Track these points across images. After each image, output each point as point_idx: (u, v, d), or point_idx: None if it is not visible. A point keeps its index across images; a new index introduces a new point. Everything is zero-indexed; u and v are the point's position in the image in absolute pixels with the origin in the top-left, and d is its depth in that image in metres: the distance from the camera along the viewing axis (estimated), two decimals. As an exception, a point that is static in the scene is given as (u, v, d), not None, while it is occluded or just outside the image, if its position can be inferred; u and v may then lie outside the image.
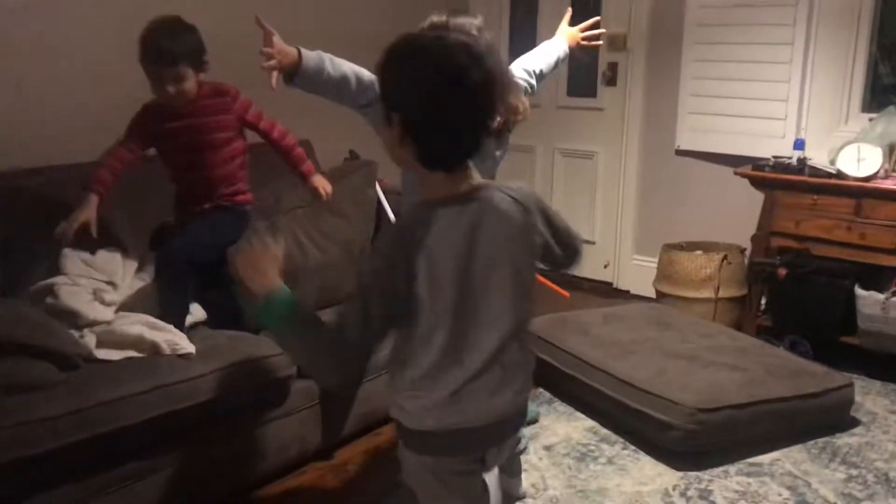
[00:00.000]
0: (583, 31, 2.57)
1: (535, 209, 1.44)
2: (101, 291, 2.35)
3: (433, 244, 1.32)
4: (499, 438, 1.48)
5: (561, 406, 3.01)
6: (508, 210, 1.39)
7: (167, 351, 2.17)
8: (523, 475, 2.41)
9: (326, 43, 2.22)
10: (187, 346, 2.22)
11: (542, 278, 4.07)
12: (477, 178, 1.39)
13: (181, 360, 2.18)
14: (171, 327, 2.28)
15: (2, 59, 2.68)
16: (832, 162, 3.32)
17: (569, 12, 2.60)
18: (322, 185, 2.82)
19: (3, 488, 1.80)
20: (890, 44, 3.61)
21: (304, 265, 2.85)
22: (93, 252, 2.46)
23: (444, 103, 1.28)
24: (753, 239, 3.56)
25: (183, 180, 2.67)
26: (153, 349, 2.18)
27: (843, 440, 2.78)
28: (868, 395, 3.13)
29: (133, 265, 2.55)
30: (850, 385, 2.90)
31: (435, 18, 2.04)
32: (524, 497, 2.45)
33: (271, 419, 2.37)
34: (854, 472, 2.58)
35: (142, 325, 2.23)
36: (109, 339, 2.19)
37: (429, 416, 1.41)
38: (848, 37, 3.55)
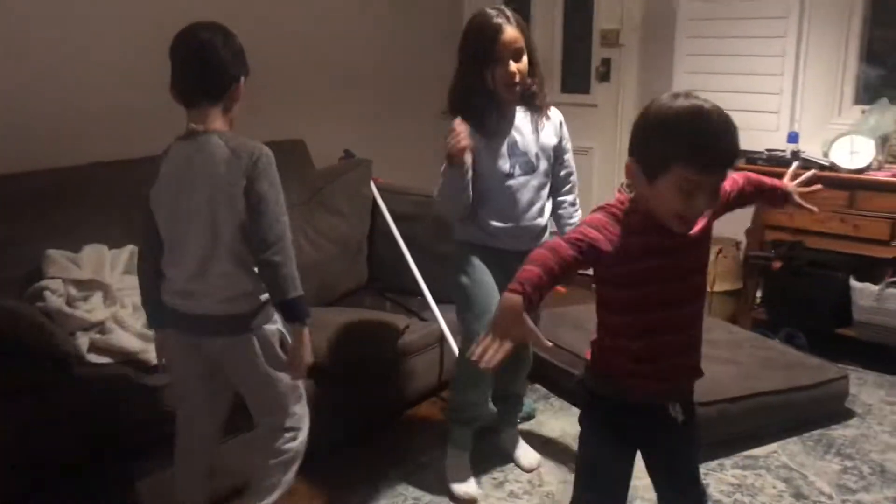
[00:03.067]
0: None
1: (248, 162, 1.80)
2: (84, 291, 2.34)
3: (163, 168, 1.86)
4: (201, 330, 1.88)
5: (557, 401, 3.02)
6: (216, 153, 1.80)
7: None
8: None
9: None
10: None
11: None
12: (213, 125, 1.83)
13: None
14: None
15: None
16: (826, 154, 3.32)
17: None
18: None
19: (6, 486, 1.81)
20: (881, 36, 3.61)
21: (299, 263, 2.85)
22: (77, 249, 2.44)
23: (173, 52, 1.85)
24: (748, 232, 3.57)
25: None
26: (143, 364, 2.18)
27: (839, 432, 2.79)
28: (863, 387, 3.14)
29: (123, 257, 2.52)
30: (845, 377, 2.91)
31: None
32: (530, 469, 2.55)
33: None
34: (849, 463, 2.59)
35: (137, 338, 2.23)
36: (103, 345, 2.19)
37: (166, 295, 1.90)
38: (840, 29, 3.56)
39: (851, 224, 3.20)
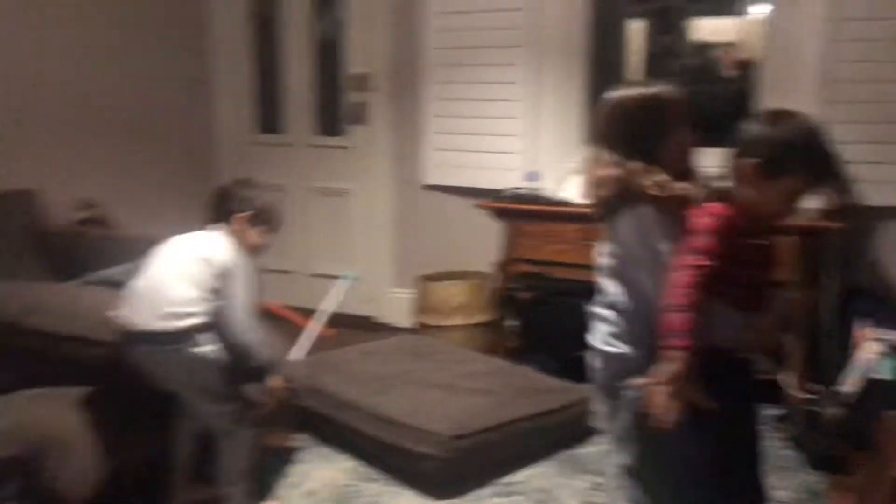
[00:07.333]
0: None
1: None
2: None
3: None
4: None
5: (324, 450, 2.97)
6: None
7: None
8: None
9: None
10: None
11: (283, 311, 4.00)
12: None
13: None
14: None
15: None
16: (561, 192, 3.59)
17: None
18: None
19: None
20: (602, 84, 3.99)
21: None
22: None
23: None
24: (497, 266, 3.76)
25: None
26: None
27: (586, 450, 2.99)
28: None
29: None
30: (587, 398, 3.11)
31: None
32: None
33: None
34: (598, 479, 2.76)
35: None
36: None
37: None
38: (568, 76, 3.89)
39: (585, 254, 3.43)
